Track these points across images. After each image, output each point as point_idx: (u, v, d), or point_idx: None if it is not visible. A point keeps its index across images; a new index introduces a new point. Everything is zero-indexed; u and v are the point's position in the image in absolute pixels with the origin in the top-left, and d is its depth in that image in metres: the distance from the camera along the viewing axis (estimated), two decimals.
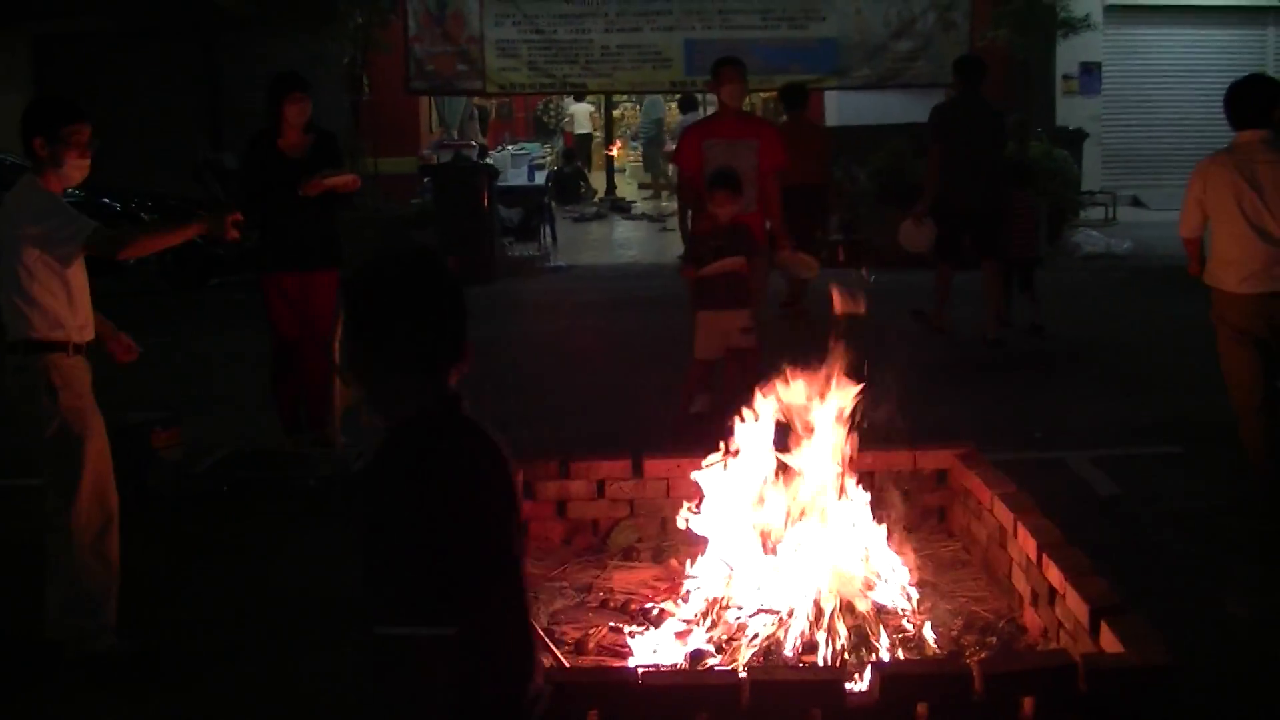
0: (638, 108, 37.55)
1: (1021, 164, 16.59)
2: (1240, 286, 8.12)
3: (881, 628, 5.56)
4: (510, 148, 29.66)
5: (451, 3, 23.20)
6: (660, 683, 4.83)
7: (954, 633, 5.88)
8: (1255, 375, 8.20)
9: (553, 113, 36.05)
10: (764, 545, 5.98)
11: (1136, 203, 25.51)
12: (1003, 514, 6.42)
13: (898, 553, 6.12)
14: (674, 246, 21.09)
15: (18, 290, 6.61)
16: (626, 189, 32.24)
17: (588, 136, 34.43)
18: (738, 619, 5.63)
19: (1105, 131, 25.50)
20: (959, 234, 14.20)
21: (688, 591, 6.02)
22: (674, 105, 30.01)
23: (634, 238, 25.75)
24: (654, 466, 7.31)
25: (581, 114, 34.40)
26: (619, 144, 33.81)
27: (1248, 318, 8.15)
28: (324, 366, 9.85)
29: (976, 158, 13.81)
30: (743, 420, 6.20)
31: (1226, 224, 8.20)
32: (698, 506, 6.35)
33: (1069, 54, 24.29)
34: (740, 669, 5.07)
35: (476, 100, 30.08)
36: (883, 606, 5.71)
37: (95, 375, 6.82)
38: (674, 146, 15.42)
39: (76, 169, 6.80)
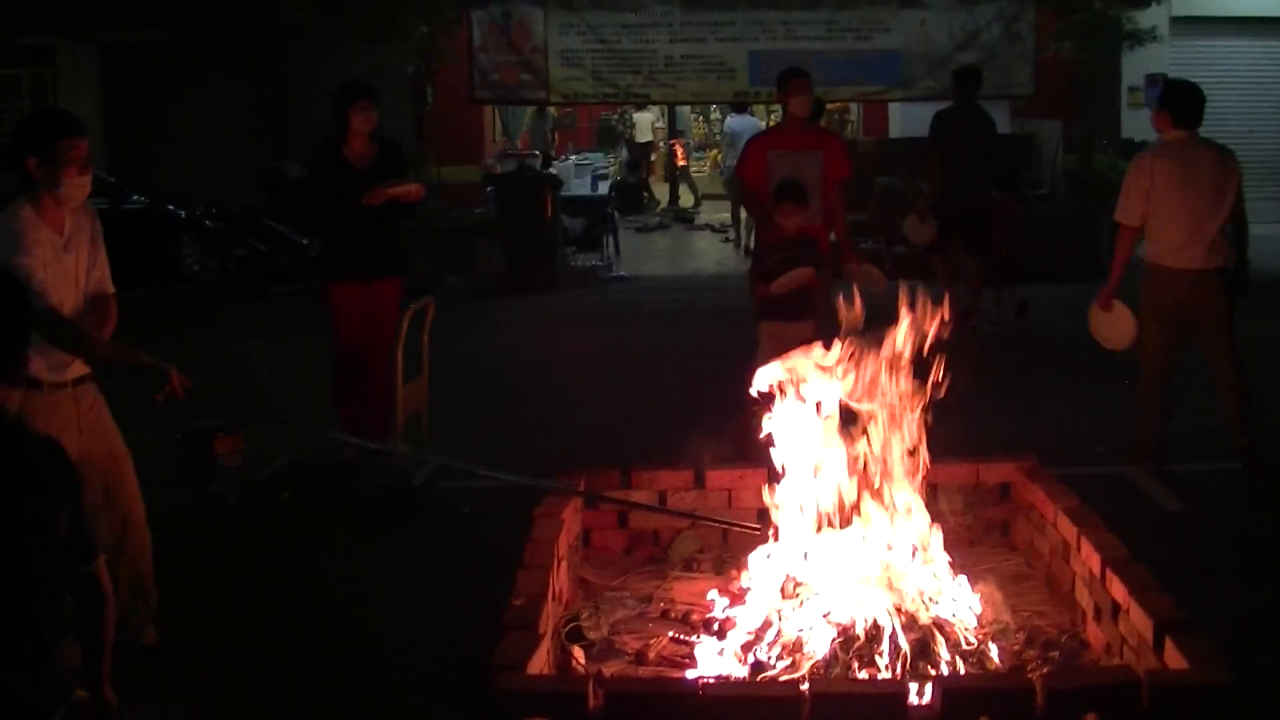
0: (701, 119, 37.53)
1: (1008, 170, 17.70)
2: None
3: (943, 641, 5.53)
4: (574, 157, 29.71)
5: (516, 13, 23.23)
6: (720, 694, 4.81)
7: (1016, 647, 5.84)
8: None
9: (629, 121, 35.89)
10: (826, 556, 5.96)
11: None
12: (1066, 528, 6.38)
13: (960, 566, 6.09)
14: (737, 258, 21.11)
15: None
16: (689, 200, 32.20)
17: (648, 145, 34.35)
18: (799, 631, 5.62)
19: None
20: (951, 230, 15.28)
21: (748, 603, 6.00)
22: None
23: (697, 248, 25.74)
24: (716, 478, 7.32)
25: (644, 123, 34.37)
26: (680, 150, 33.70)
27: None
28: (387, 376, 9.87)
29: (970, 161, 14.48)
30: (806, 428, 6.18)
31: None
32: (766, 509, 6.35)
33: (1135, 66, 24.08)
34: (801, 681, 5.05)
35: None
36: (945, 620, 5.69)
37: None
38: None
39: (77, 188, 6.31)
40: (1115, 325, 9.87)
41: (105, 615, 4.34)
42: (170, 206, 20.64)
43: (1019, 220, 16.40)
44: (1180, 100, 9.78)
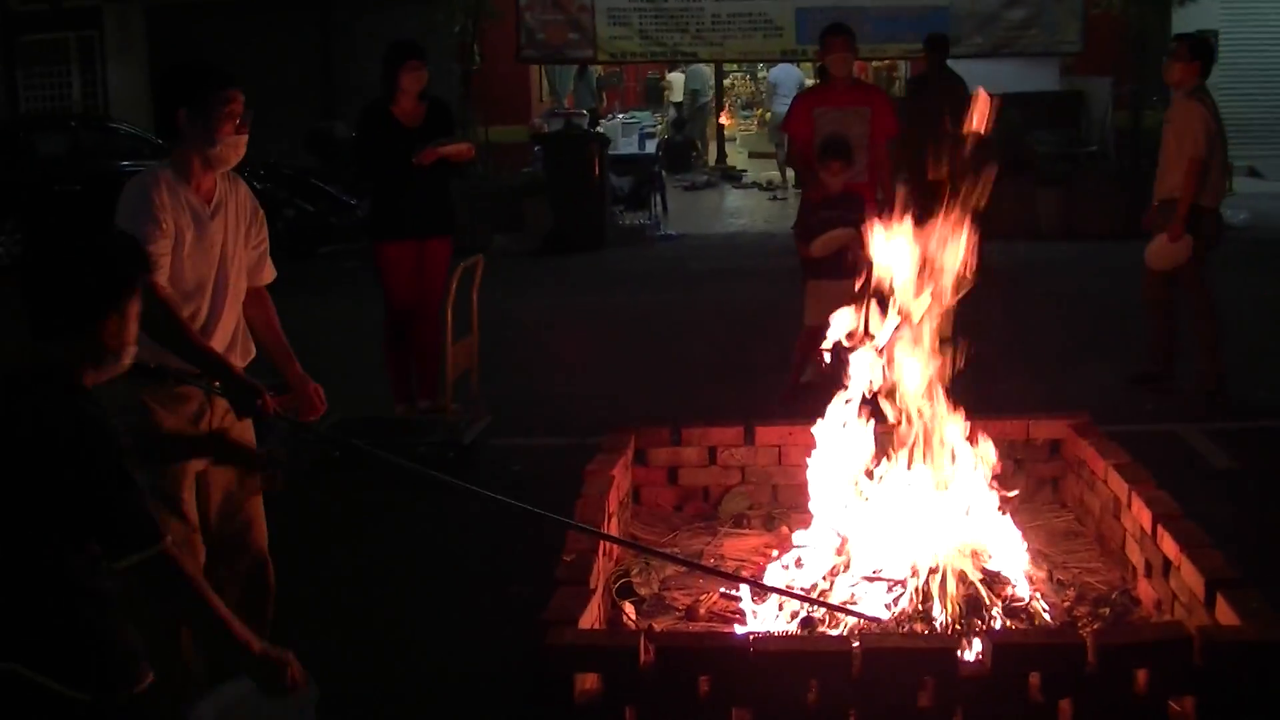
0: (748, 77, 37.40)
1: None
2: None
3: (993, 597, 5.54)
4: (621, 116, 29.68)
5: None
6: (771, 649, 4.83)
7: (1067, 604, 5.84)
8: None
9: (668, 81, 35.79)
10: (876, 512, 5.96)
11: (1253, 173, 25.12)
12: (1117, 485, 6.36)
13: (1011, 523, 6.09)
14: (785, 216, 21.07)
15: None
16: (737, 158, 32.12)
17: (707, 105, 34.22)
18: (851, 586, 5.63)
19: (1221, 101, 25.02)
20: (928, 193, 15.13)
21: (799, 559, 6.01)
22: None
23: (744, 206, 25.68)
24: (766, 434, 7.31)
25: (678, 83, 34.32)
26: (727, 112, 33.66)
27: None
28: (436, 335, 9.89)
29: (943, 127, 14.63)
30: (855, 386, 6.19)
31: None
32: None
33: (1185, 21, 23.85)
34: (852, 637, 5.06)
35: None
36: (995, 576, 5.69)
37: None
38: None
39: (231, 148, 5.61)
40: (1178, 251, 10.56)
41: (191, 597, 4.01)
42: None
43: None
44: (1208, 54, 11.17)
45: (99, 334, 3.83)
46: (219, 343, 5.74)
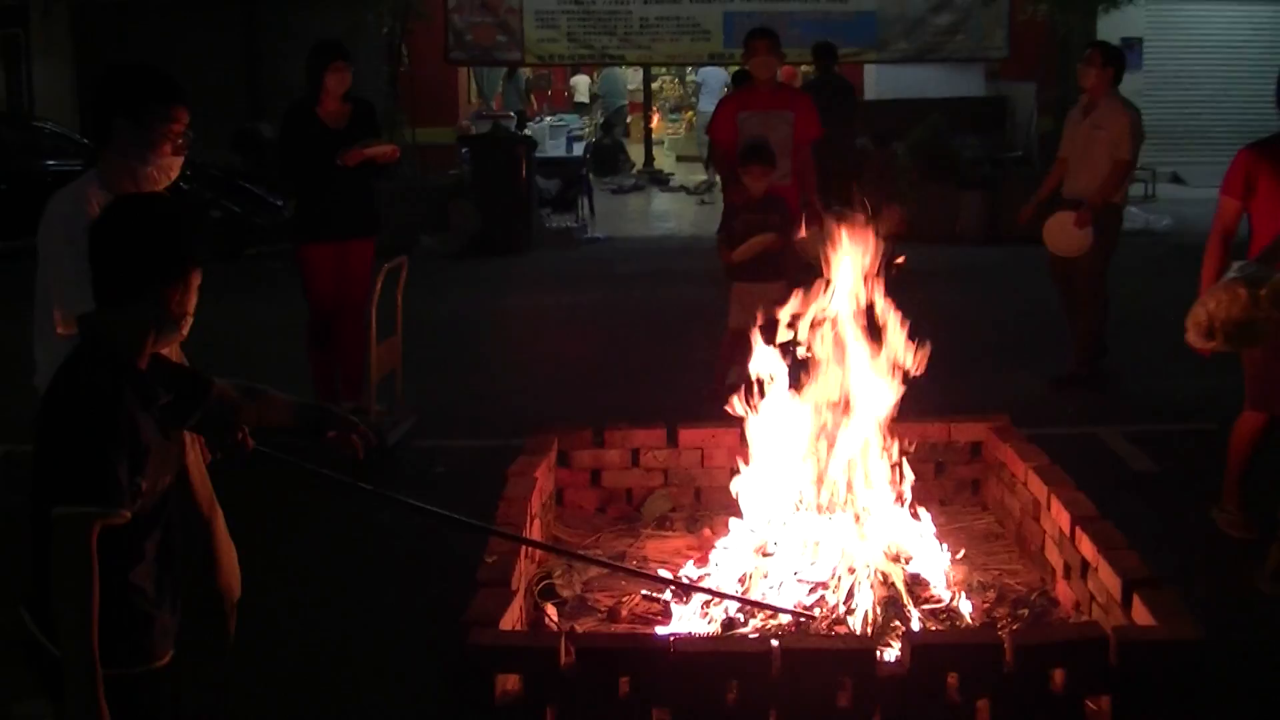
0: (677, 80, 37.46)
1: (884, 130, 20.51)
2: None
3: (913, 599, 5.58)
4: (549, 119, 29.69)
5: None
6: (691, 650, 4.85)
7: (986, 605, 5.89)
8: None
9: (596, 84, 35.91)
10: (798, 513, 5.99)
11: (1176, 179, 25.34)
12: (1037, 487, 6.43)
13: (931, 524, 6.13)
14: (712, 219, 21.12)
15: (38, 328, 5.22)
16: (665, 161, 32.15)
17: (622, 109, 34.27)
18: (771, 588, 5.65)
19: (1146, 107, 25.10)
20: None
21: (721, 560, 6.03)
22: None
23: (671, 209, 25.70)
24: (689, 436, 7.35)
25: (582, 85, 34.51)
26: (655, 115, 33.74)
27: None
28: (360, 335, 9.86)
29: (832, 129, 14.81)
30: (776, 387, 6.21)
31: None
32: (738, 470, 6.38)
33: (1110, 29, 24.00)
34: (772, 637, 5.08)
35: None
36: (915, 577, 5.73)
37: None
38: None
39: (164, 170, 5.23)
40: (1082, 239, 10.84)
41: (80, 579, 3.97)
42: None
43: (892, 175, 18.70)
44: (1121, 61, 11.33)
45: (165, 300, 3.87)
46: None
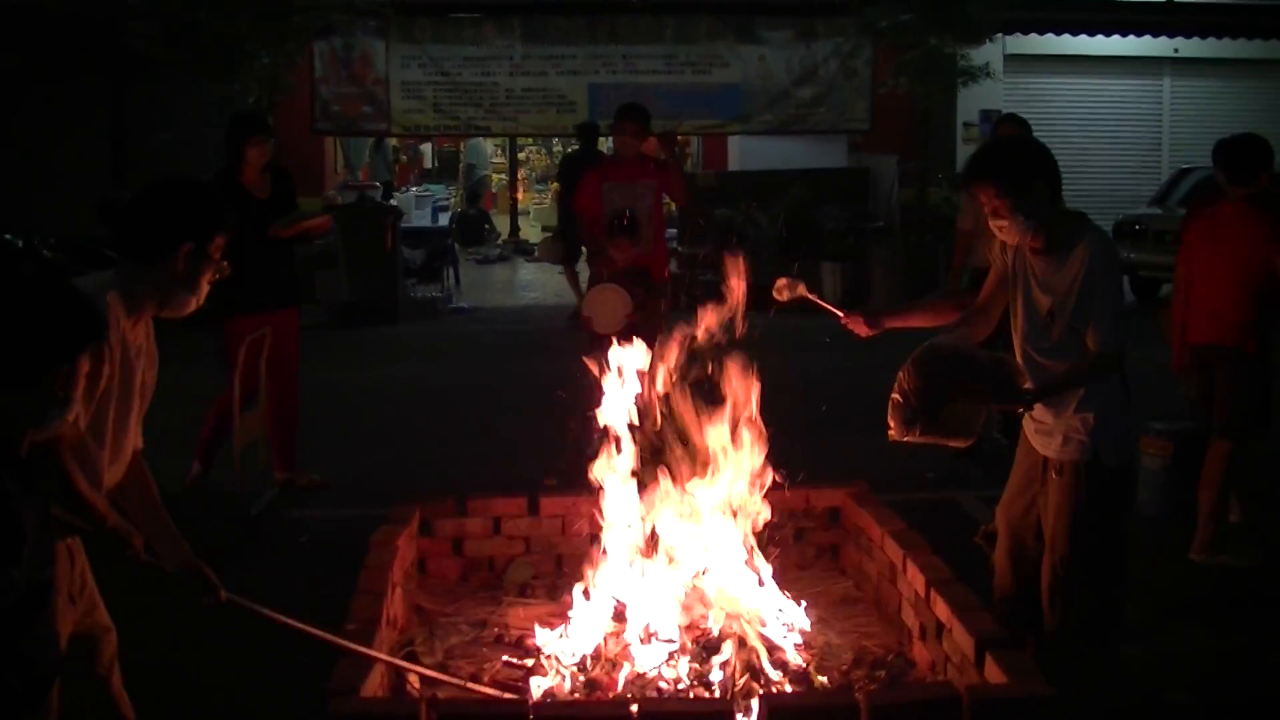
0: (544, 151, 37.63)
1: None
2: None
3: (771, 662, 5.63)
4: (414, 189, 29.71)
5: (358, 45, 23.26)
6: (552, 713, 4.87)
7: (844, 667, 5.95)
8: None
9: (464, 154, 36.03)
10: (656, 579, 6.04)
11: None
12: (893, 551, 6.51)
13: (790, 589, 6.20)
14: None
15: None
16: (530, 232, 32.24)
17: (484, 179, 34.42)
18: (630, 651, 5.69)
19: None
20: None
21: (580, 625, 6.06)
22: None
23: (536, 280, 25.79)
24: (549, 504, 7.39)
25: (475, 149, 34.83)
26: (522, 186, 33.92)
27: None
28: (295, 406, 9.88)
29: None
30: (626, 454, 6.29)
31: None
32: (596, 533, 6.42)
33: (970, 102, 24.49)
34: (631, 700, 5.11)
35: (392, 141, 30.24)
36: (774, 641, 5.79)
37: None
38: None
39: (197, 298, 4.75)
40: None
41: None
42: (8, 236, 20.29)
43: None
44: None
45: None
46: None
